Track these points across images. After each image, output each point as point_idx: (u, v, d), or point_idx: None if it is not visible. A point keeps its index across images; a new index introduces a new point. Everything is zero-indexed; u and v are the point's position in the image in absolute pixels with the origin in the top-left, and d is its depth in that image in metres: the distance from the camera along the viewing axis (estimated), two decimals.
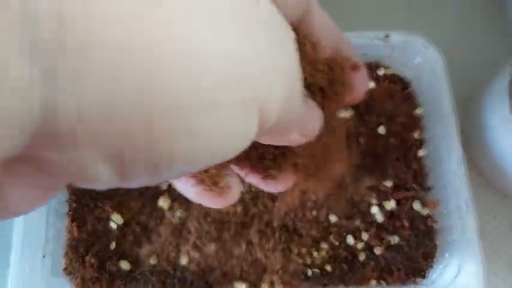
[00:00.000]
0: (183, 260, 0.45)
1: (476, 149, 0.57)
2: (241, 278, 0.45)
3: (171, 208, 0.46)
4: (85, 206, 0.46)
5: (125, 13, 0.13)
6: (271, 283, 0.44)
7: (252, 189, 0.46)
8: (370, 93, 0.50)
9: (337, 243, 0.46)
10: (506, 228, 0.56)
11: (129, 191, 0.46)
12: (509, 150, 0.50)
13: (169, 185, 0.46)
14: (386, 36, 0.50)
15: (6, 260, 0.43)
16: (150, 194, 0.46)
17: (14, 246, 0.43)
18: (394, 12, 0.65)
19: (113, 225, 0.45)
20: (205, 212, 0.46)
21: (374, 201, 0.47)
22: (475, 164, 0.58)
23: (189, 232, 0.45)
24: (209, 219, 0.45)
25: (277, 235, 0.45)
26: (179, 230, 0.45)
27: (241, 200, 0.46)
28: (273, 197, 0.46)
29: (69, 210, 0.45)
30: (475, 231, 0.44)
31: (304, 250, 0.45)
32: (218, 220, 0.46)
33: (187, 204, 0.46)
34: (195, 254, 0.45)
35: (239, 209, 0.46)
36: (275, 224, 0.46)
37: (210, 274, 0.45)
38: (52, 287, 0.43)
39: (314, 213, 0.46)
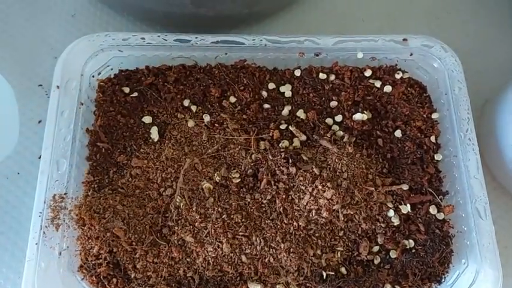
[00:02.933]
0: (199, 260, 0.45)
1: (491, 154, 0.57)
2: (257, 279, 0.44)
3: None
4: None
5: None
6: (287, 284, 0.44)
7: (269, 190, 0.46)
8: (387, 96, 0.50)
9: (353, 246, 0.46)
10: None
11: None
12: None
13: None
14: (404, 39, 0.50)
15: (22, 255, 0.43)
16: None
17: (30, 242, 0.43)
18: (414, 19, 0.66)
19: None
20: (223, 216, 0.46)
21: (390, 204, 0.47)
22: (490, 169, 0.58)
23: (207, 234, 0.45)
24: (227, 221, 0.45)
25: (293, 237, 0.45)
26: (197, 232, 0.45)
27: (258, 202, 0.46)
28: (291, 199, 0.46)
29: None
30: (492, 236, 0.44)
31: (319, 252, 0.45)
32: (233, 222, 0.46)
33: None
34: (211, 254, 0.45)
35: (256, 211, 0.46)
36: (292, 226, 0.45)
37: (225, 274, 0.45)
38: (67, 284, 0.43)
39: (330, 215, 0.46)
